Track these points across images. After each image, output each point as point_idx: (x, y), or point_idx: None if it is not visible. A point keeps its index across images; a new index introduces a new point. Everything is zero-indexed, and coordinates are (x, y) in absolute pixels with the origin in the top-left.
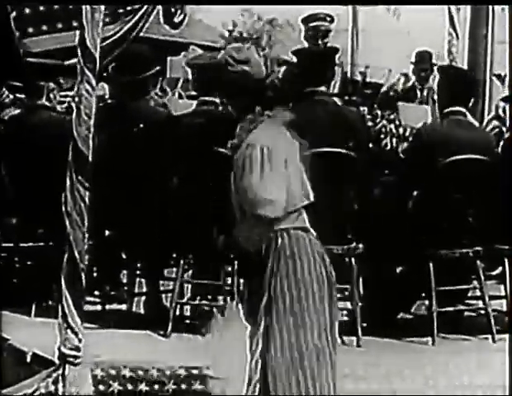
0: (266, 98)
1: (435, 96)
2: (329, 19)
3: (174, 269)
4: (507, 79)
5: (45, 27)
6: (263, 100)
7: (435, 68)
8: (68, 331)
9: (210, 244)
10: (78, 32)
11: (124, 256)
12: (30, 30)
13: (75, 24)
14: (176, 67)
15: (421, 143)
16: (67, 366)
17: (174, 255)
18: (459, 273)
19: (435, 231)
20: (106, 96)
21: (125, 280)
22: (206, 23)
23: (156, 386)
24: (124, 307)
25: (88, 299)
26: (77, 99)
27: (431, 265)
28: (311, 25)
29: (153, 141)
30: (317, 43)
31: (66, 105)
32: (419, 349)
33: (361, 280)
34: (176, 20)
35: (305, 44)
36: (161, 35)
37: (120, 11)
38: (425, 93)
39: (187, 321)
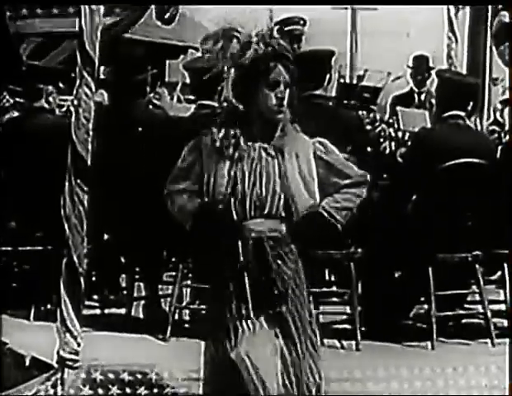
0: None
1: (433, 100)
2: (302, 22)
3: (173, 273)
4: (504, 83)
5: (39, 11)
6: None
7: (433, 71)
8: (67, 335)
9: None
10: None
11: (123, 261)
12: (24, 11)
13: (71, 10)
14: (175, 70)
15: (420, 147)
16: (66, 370)
17: (173, 259)
18: (458, 278)
19: (434, 235)
20: (105, 103)
21: (124, 285)
22: (205, 25)
23: (155, 390)
24: (123, 311)
25: (87, 303)
26: (76, 102)
27: (430, 269)
28: (285, 29)
29: (151, 144)
30: (292, 47)
31: (65, 109)
32: (419, 353)
33: (360, 284)
34: (166, 16)
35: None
36: (159, 38)
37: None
38: (423, 97)
39: (186, 325)
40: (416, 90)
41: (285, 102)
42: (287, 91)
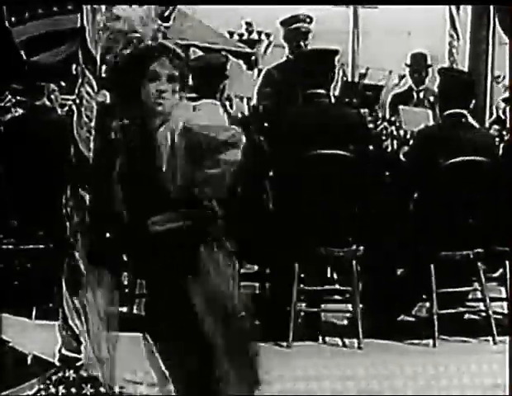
0: None
1: (431, 98)
2: (308, 20)
3: None
4: (506, 80)
5: (40, 10)
6: None
7: (432, 69)
8: (69, 333)
9: None
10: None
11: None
12: (27, 15)
13: (70, 7)
14: None
15: (422, 145)
16: (67, 369)
17: None
18: (460, 275)
19: (436, 233)
20: (107, 102)
21: (125, 282)
22: (207, 24)
23: (156, 389)
24: (124, 309)
25: None
26: (78, 101)
27: (432, 267)
28: (292, 27)
29: None
30: (298, 45)
31: (67, 108)
32: (420, 351)
33: (362, 282)
34: (165, 14)
35: (286, 47)
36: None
37: None
38: (421, 95)
39: None
40: (415, 88)
41: (166, 95)
42: (172, 85)
